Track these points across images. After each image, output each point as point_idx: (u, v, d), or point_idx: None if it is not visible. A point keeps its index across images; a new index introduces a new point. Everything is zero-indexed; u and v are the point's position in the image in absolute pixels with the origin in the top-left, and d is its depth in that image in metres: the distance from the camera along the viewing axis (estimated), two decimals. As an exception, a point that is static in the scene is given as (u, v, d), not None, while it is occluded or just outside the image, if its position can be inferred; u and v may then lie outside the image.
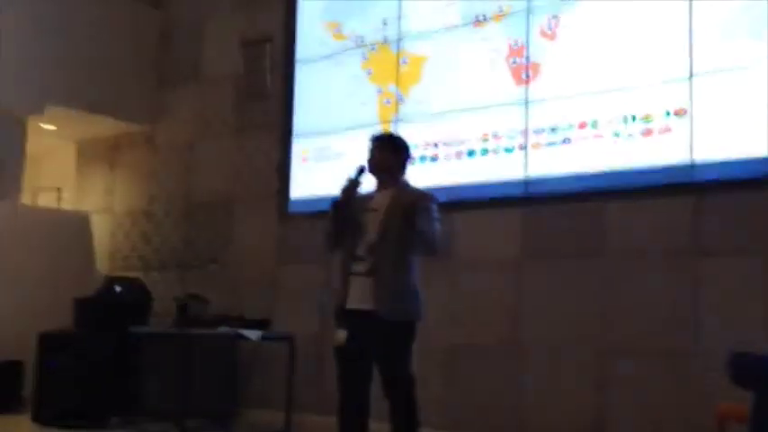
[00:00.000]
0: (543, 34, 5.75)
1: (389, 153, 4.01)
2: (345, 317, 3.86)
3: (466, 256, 5.90)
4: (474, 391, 5.73)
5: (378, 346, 3.78)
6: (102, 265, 8.08)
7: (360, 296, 3.81)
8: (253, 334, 5.68)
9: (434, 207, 3.93)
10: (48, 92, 7.48)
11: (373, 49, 6.73)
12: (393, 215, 3.85)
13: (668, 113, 5.11)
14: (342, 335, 3.83)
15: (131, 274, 7.58)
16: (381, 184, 4.01)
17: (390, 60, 6.60)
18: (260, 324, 5.93)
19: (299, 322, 6.42)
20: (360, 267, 3.84)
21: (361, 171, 3.95)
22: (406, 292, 3.84)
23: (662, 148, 5.12)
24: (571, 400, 5.30)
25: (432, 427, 5.29)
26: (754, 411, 3.13)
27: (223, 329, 5.72)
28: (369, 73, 6.75)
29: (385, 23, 6.64)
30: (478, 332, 5.78)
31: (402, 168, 4.05)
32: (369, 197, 3.99)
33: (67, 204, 8.66)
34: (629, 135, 5.26)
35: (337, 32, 7.00)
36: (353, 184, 3.92)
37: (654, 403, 4.97)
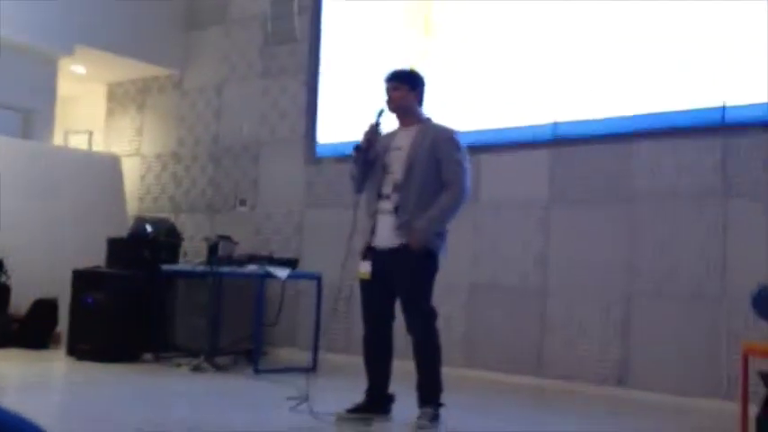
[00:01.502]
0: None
1: (406, 91, 4.01)
2: (371, 253, 3.92)
3: (492, 197, 5.93)
4: (497, 331, 5.81)
5: (402, 278, 3.83)
6: (133, 207, 8.21)
7: (386, 234, 3.86)
8: (281, 272, 5.77)
9: (459, 149, 3.93)
10: (77, 32, 7.53)
11: (401, -7, 6.68)
12: (417, 154, 3.87)
13: (698, 58, 5.05)
14: (367, 267, 3.90)
15: (162, 216, 7.68)
16: (403, 122, 4.04)
17: (418, 7, 6.55)
18: (288, 263, 6.02)
19: (326, 264, 6.49)
20: (386, 205, 3.89)
21: (380, 113, 3.98)
22: (437, 230, 3.87)
23: (693, 92, 5.08)
24: (595, 341, 5.35)
25: (455, 365, 5.42)
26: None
27: (252, 268, 5.81)
28: (399, 17, 6.70)
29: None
30: (502, 273, 5.83)
31: (420, 102, 4.06)
32: (392, 136, 4.02)
33: (98, 147, 8.77)
34: (660, 78, 5.22)
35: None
36: (374, 127, 3.96)
37: (679, 345, 5.01)
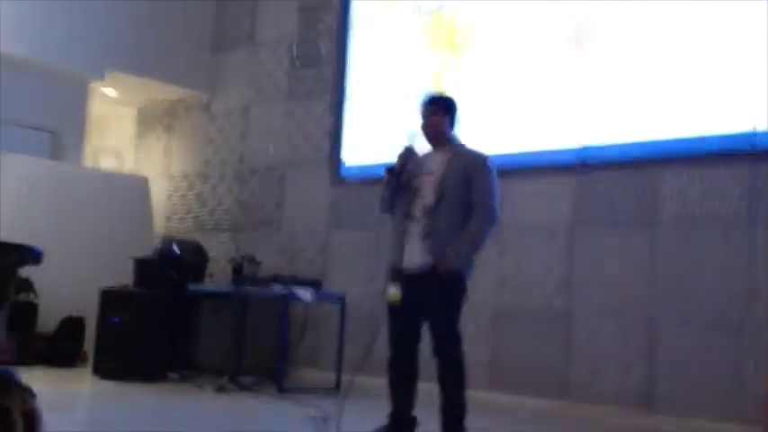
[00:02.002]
0: None
1: (441, 116, 4.04)
2: (399, 276, 3.93)
3: (517, 221, 5.92)
4: (521, 354, 5.78)
5: (431, 302, 3.84)
6: (160, 227, 8.30)
7: (415, 257, 3.86)
8: (305, 294, 5.80)
9: (491, 174, 3.96)
10: (108, 57, 7.68)
11: (429, 15, 6.74)
12: (449, 178, 3.89)
13: (728, 82, 5.04)
14: (395, 291, 3.89)
15: (188, 236, 7.76)
16: (436, 146, 4.06)
17: (446, 28, 6.61)
18: (312, 284, 6.05)
19: (350, 286, 6.52)
20: (415, 228, 3.89)
21: (414, 137, 4.01)
22: (467, 256, 3.86)
23: (722, 117, 5.05)
24: (619, 365, 5.31)
25: (479, 389, 5.38)
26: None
27: (277, 288, 5.85)
28: (424, 40, 6.76)
29: (440, -11, 6.65)
30: (527, 296, 5.82)
31: (453, 126, 4.09)
32: (424, 159, 4.04)
33: (127, 168, 8.89)
34: (688, 103, 5.21)
35: (393, 0, 7.01)
36: (409, 151, 3.98)
37: (704, 370, 4.96)
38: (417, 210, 3.90)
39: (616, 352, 5.35)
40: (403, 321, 3.92)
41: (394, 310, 3.93)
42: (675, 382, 5.07)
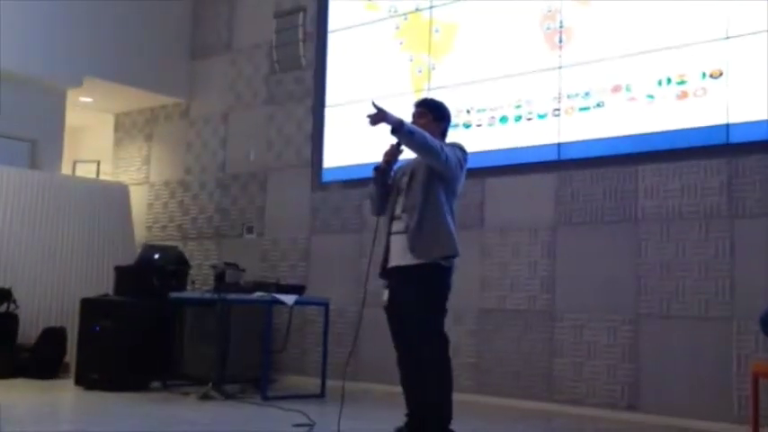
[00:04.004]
0: (576, -2, 5.72)
1: (431, 120, 4.04)
2: (388, 276, 3.94)
3: (498, 221, 5.93)
4: (506, 356, 5.77)
5: (407, 296, 3.80)
6: (141, 235, 8.24)
7: (399, 253, 3.87)
8: (288, 299, 5.76)
9: (452, 144, 3.96)
10: (85, 64, 7.63)
11: (405, 18, 6.74)
12: (418, 167, 3.92)
13: (704, 75, 5.08)
14: (385, 294, 3.93)
15: (169, 244, 7.71)
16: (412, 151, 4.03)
17: (423, 29, 6.61)
18: (295, 290, 6.02)
19: (334, 290, 6.51)
20: (397, 226, 3.91)
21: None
22: (435, 229, 3.83)
23: (697, 111, 5.09)
24: (604, 364, 5.31)
25: (464, 392, 5.38)
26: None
27: (259, 294, 5.81)
28: (401, 42, 6.76)
29: (417, -9, 6.65)
30: (510, 296, 5.81)
31: (442, 137, 4.07)
32: (408, 163, 4.05)
33: (106, 176, 8.82)
34: (664, 98, 5.24)
35: (370, 1, 7.01)
36: (395, 148, 3.96)
37: (689, 367, 4.97)
38: (399, 208, 3.93)
39: (601, 351, 5.35)
40: (395, 322, 3.91)
41: (387, 313, 3.94)
42: (661, 381, 5.08)
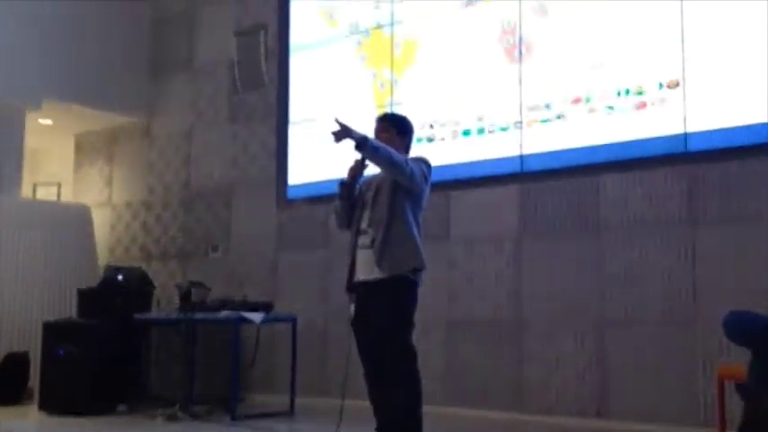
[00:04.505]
0: (535, 12, 5.80)
1: (394, 134, 4.06)
2: (354, 290, 3.95)
3: (464, 233, 5.96)
4: (474, 367, 5.79)
5: (378, 311, 3.80)
6: (104, 258, 8.12)
7: (365, 268, 3.88)
8: (255, 317, 5.73)
9: (417, 158, 3.98)
10: (44, 86, 7.52)
11: (367, 34, 6.78)
12: (383, 183, 3.94)
13: (661, 85, 5.17)
14: (351, 308, 3.94)
15: (133, 265, 7.62)
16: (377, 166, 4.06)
17: (384, 45, 6.65)
18: (262, 307, 5.98)
19: (301, 307, 6.48)
20: (363, 240, 3.92)
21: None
22: (402, 243, 3.84)
23: (656, 121, 5.18)
24: (572, 372, 5.36)
25: (434, 404, 5.36)
26: (750, 368, 3.19)
27: (226, 313, 5.77)
28: (363, 58, 6.79)
29: (377, 7, 6.69)
30: (477, 308, 5.84)
31: (405, 151, 4.10)
32: (373, 177, 4.07)
33: (67, 198, 8.70)
34: (623, 109, 5.32)
35: (331, 19, 7.04)
36: (359, 162, 3.99)
37: (655, 373, 5.02)
38: (364, 222, 3.95)
39: (568, 359, 5.39)
40: (362, 338, 3.92)
41: (353, 327, 3.95)
42: (628, 387, 5.12)
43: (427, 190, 4.01)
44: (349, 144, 3.82)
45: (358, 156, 3.91)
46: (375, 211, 3.91)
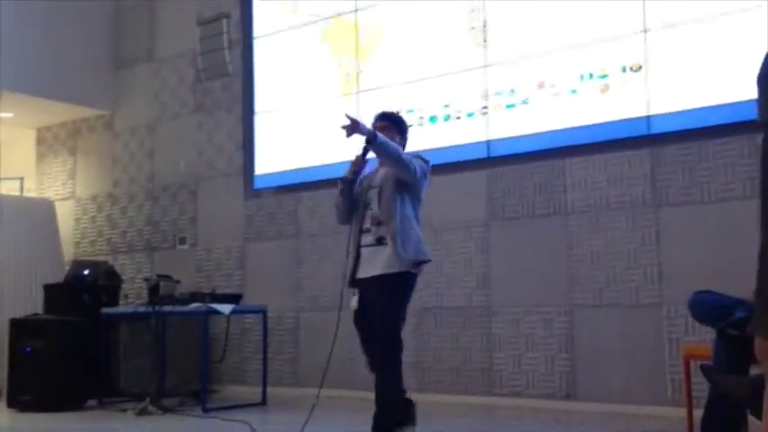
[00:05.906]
0: (498, -3, 5.81)
1: (394, 134, 4.13)
2: (357, 285, 4.05)
3: (432, 220, 5.96)
4: (445, 353, 5.82)
5: (379, 306, 3.90)
6: (69, 252, 8.04)
7: (371, 264, 3.97)
8: (225, 308, 5.70)
9: (415, 156, 4.07)
10: (3, 79, 7.37)
11: (329, 23, 6.74)
12: (386, 183, 4.01)
13: (624, 69, 5.21)
14: (354, 299, 4.03)
15: (99, 259, 7.55)
16: (382, 162, 4.11)
17: (348, 33, 6.62)
18: (232, 299, 5.96)
19: (271, 298, 6.46)
20: (367, 239, 4.01)
21: (366, 149, 4.02)
22: (408, 238, 3.93)
23: (619, 104, 5.22)
24: (541, 356, 5.41)
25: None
26: (715, 346, 3.25)
27: (195, 305, 5.73)
28: (327, 46, 6.75)
29: (341, -5, 6.66)
30: (447, 294, 5.87)
31: (402, 147, 4.16)
32: (373, 175, 4.15)
33: (30, 193, 8.58)
34: (587, 92, 5.36)
35: (293, 8, 6.99)
36: (361, 158, 4.04)
37: (623, 354, 5.09)
38: (368, 222, 4.04)
39: (537, 343, 5.44)
40: (364, 330, 4.01)
41: (355, 318, 4.05)
42: (597, 369, 5.19)
43: (426, 185, 4.12)
44: (341, 136, 3.93)
45: (358, 152, 4.01)
46: (381, 209, 3.97)
